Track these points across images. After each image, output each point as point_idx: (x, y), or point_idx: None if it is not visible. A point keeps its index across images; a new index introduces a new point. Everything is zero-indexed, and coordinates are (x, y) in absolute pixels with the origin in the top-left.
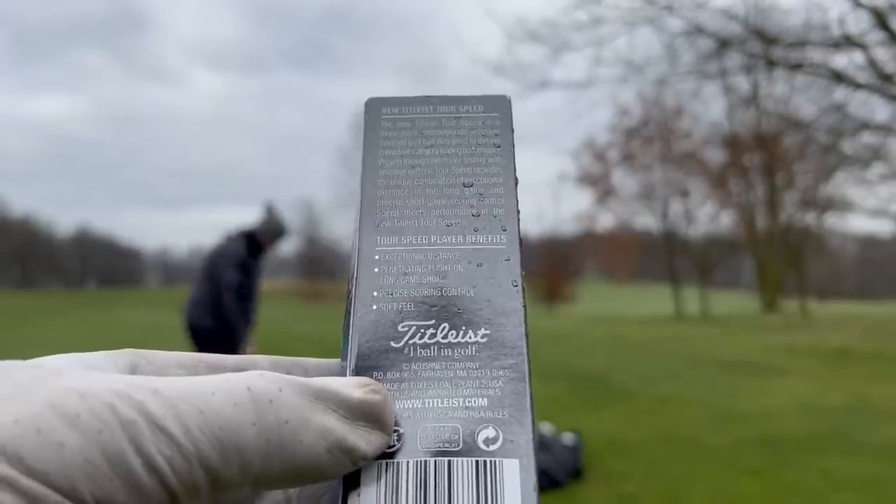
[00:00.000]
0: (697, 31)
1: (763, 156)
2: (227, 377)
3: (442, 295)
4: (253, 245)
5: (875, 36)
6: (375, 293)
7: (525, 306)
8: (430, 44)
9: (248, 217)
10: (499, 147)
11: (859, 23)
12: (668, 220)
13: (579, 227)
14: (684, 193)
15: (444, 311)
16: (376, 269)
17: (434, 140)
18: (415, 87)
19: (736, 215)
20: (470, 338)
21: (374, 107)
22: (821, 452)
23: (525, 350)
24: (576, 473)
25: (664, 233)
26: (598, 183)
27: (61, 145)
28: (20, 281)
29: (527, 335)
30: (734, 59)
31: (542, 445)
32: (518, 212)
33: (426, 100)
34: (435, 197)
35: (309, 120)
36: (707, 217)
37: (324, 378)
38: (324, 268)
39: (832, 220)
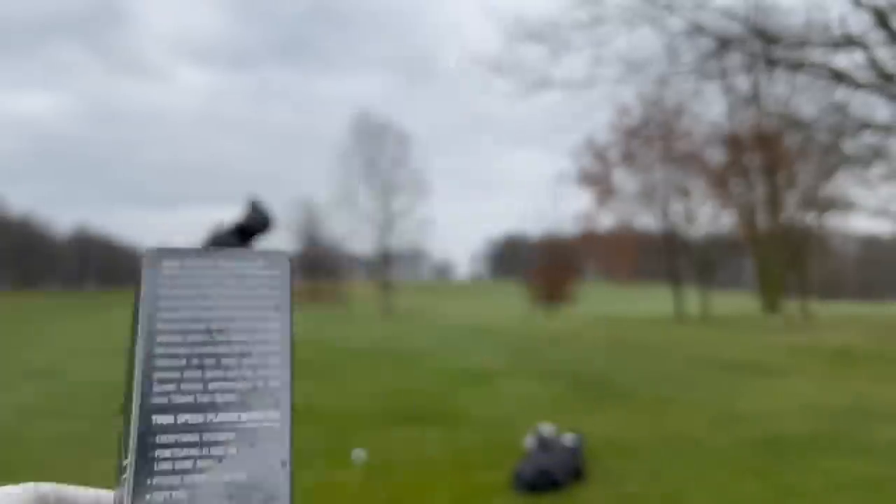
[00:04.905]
0: (698, 30)
1: (764, 156)
2: None
3: (215, 481)
4: (245, 238)
5: (876, 35)
6: (150, 481)
7: (291, 488)
8: (421, 37)
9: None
10: (278, 310)
11: (860, 22)
12: (668, 220)
13: (579, 227)
14: (685, 193)
15: (221, 492)
16: (150, 454)
17: (215, 301)
18: (406, 83)
19: (737, 215)
20: None
21: (154, 259)
22: (822, 453)
23: None
24: (576, 474)
25: (665, 233)
26: (599, 183)
27: (47, 143)
28: (19, 281)
29: None
30: (735, 58)
31: (543, 446)
32: (291, 383)
33: (207, 254)
34: (213, 368)
35: (299, 116)
36: (708, 217)
37: None
38: (324, 268)
39: (833, 220)
